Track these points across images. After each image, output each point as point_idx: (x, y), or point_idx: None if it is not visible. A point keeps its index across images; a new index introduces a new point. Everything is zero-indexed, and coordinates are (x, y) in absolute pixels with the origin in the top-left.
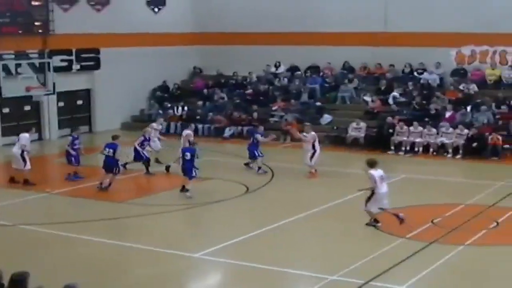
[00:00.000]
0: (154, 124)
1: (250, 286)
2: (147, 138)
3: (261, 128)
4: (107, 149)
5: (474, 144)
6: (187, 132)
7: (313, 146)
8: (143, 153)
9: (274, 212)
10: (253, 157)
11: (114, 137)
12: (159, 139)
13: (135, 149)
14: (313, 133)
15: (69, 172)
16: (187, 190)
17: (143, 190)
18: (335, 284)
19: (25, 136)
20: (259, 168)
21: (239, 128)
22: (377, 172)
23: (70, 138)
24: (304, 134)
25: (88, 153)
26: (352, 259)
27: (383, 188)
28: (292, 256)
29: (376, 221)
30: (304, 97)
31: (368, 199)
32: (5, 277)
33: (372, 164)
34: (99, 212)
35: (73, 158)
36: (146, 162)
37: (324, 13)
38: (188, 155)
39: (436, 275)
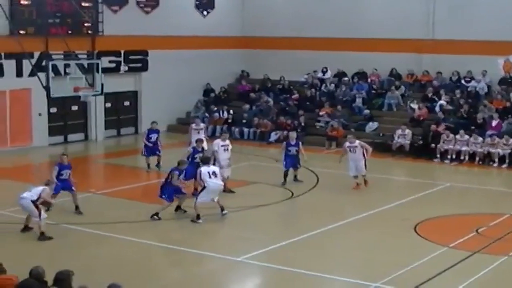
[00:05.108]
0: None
1: None
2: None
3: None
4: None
5: None
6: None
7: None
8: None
9: (317, 218)
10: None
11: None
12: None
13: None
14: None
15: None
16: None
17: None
18: None
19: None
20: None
21: (285, 132)
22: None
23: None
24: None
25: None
26: (394, 267)
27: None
28: (334, 262)
29: (198, 217)
30: (358, 103)
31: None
32: (49, 275)
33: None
34: (141, 213)
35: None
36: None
37: (372, 19)
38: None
39: (479, 286)
